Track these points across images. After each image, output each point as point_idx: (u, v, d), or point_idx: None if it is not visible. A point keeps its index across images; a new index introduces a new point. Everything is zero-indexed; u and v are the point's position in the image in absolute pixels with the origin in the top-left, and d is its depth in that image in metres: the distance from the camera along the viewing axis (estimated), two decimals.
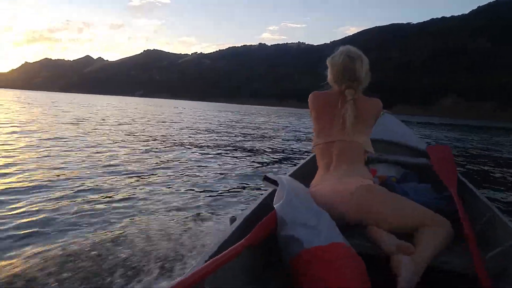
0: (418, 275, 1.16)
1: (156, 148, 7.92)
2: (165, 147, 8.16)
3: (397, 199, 1.44)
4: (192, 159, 6.76)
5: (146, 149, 7.61)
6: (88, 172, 5.08)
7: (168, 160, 6.49)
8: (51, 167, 5.28)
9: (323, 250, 1.15)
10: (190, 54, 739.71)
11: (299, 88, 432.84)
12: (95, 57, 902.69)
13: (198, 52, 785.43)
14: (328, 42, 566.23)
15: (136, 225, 3.02)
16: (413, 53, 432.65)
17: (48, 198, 3.73)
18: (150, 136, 10.19)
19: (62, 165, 5.44)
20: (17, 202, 3.53)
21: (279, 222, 1.28)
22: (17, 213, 3.23)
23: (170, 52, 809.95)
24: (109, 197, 3.89)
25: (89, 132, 10.22)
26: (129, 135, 10.23)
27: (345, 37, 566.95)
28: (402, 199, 1.45)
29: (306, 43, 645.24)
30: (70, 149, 7.04)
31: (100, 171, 5.18)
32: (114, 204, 3.62)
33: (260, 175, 5.00)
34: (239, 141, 10.36)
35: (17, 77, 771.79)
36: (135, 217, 3.26)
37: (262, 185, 1.35)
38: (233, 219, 1.44)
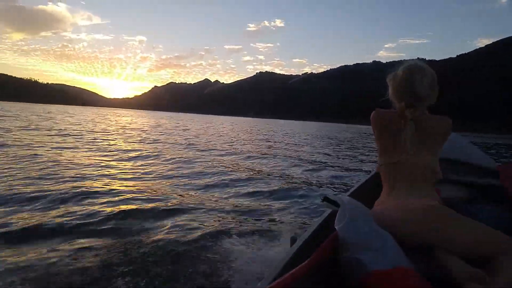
0: None
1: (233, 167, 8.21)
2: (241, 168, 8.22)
3: (469, 222, 1.32)
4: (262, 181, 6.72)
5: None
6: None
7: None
8: None
9: (388, 273, 1.10)
10: (301, 74, 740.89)
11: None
12: (212, 80, 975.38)
13: (309, 72, 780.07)
14: (454, 56, 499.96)
15: (197, 241, 3.16)
16: None
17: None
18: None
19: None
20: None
21: (341, 244, 1.24)
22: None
23: (282, 73, 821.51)
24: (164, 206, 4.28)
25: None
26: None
27: (475, 49, 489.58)
28: (474, 223, 1.33)
29: (428, 58, 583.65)
30: None
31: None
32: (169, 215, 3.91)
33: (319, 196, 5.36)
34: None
35: (148, 99, 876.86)
36: (192, 231, 3.41)
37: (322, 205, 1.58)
38: (293, 240, 1.44)
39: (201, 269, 2.60)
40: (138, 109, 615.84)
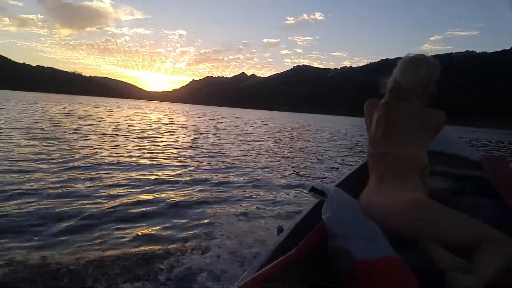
0: None
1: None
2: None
3: (455, 214, 1.34)
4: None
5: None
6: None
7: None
8: None
9: (375, 263, 1.12)
10: (340, 68, 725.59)
11: (460, 103, 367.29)
12: (249, 74, 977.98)
13: (348, 66, 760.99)
14: (509, 48, 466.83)
15: (191, 234, 3.27)
16: None
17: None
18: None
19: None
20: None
21: (329, 233, 1.24)
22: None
23: (320, 67, 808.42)
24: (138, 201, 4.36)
25: None
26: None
27: None
28: (460, 214, 1.34)
29: (478, 51, 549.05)
30: None
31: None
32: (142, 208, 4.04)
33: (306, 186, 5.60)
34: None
35: (186, 93, 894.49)
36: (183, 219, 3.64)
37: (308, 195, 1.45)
38: (280, 229, 1.44)
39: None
40: (177, 102, 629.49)
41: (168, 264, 2.62)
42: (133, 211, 3.87)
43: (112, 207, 3.92)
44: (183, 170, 6.55)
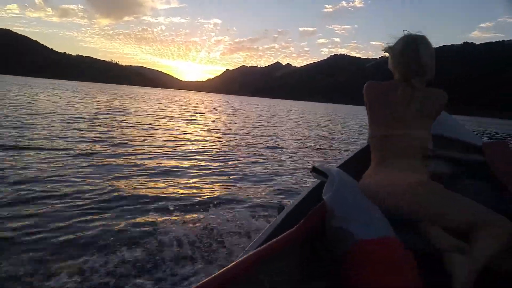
0: (473, 275, 1.14)
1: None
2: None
3: (455, 197, 1.36)
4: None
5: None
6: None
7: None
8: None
9: (374, 243, 1.14)
10: (378, 58, 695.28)
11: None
12: (284, 63, 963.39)
13: (388, 55, 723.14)
14: None
15: (194, 212, 3.43)
16: None
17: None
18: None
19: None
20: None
21: (329, 214, 1.26)
22: None
23: (358, 56, 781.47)
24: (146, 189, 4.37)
25: None
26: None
27: None
28: (459, 197, 1.36)
29: None
30: None
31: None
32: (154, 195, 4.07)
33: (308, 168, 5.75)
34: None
35: (219, 83, 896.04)
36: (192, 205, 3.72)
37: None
38: (280, 208, 1.44)
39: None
40: (211, 92, 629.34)
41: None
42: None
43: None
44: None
